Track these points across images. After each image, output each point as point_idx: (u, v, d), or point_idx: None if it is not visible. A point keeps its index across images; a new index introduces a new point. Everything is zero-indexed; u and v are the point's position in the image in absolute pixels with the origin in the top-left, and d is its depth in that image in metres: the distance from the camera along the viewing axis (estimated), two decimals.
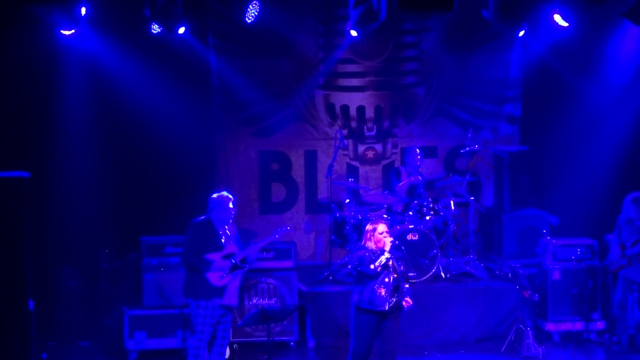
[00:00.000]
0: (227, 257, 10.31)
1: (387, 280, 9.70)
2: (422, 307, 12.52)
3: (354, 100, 14.80)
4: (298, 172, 14.85)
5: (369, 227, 9.92)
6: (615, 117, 14.24)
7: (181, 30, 12.58)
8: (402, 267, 9.79)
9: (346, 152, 14.83)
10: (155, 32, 12.88)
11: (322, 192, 14.62)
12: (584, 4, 12.43)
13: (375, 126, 14.85)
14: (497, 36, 14.32)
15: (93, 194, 13.60)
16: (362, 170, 14.93)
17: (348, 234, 13.05)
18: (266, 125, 14.69)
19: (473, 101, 14.91)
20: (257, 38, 14.31)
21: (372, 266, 9.64)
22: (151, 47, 13.41)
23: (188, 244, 10.38)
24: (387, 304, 9.67)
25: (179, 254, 11.35)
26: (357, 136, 14.87)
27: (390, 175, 14.03)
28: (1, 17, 12.46)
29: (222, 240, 10.33)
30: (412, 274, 12.65)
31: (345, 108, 14.80)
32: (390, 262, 9.71)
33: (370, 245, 9.81)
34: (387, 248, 9.73)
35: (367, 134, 14.88)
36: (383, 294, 9.67)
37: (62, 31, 12.43)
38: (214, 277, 10.22)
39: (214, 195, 10.52)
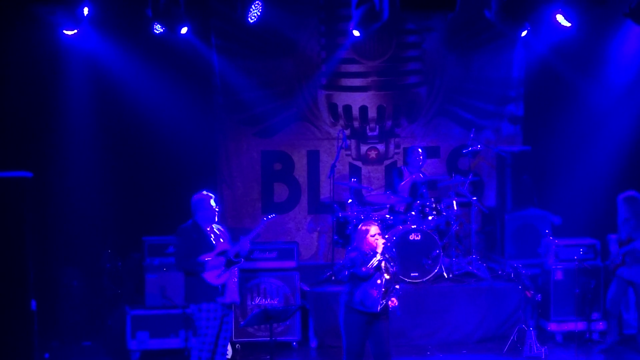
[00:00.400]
0: (220, 254, 10.28)
1: (379, 282, 9.70)
2: (424, 307, 12.57)
3: (356, 100, 14.80)
4: (300, 172, 14.85)
5: (361, 228, 9.93)
6: (618, 117, 14.24)
7: (184, 30, 12.57)
8: (394, 268, 9.79)
9: (349, 152, 14.82)
10: (157, 32, 12.87)
11: (325, 192, 14.62)
12: (587, 4, 12.42)
13: (377, 126, 14.85)
14: (500, 36, 14.33)
15: (95, 194, 13.60)
16: (365, 170, 14.92)
17: (350, 234, 13.03)
18: (268, 125, 14.69)
19: (475, 101, 14.91)
20: (259, 38, 14.31)
21: (364, 268, 9.65)
22: (153, 47, 13.41)
23: (179, 249, 10.30)
24: (379, 305, 9.68)
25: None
26: (359, 136, 14.87)
27: (392, 175, 14.03)
28: (4, 17, 12.48)
29: (212, 240, 10.28)
30: (414, 273, 12.77)
31: (347, 108, 14.79)
32: (383, 264, 9.70)
33: (363, 246, 9.81)
34: (379, 250, 9.73)
35: (369, 134, 14.88)
36: (375, 295, 9.67)
37: (64, 31, 12.42)
38: (212, 277, 10.19)
39: (194, 197, 10.39)
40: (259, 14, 12.88)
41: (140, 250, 12.56)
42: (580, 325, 12.34)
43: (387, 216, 13.26)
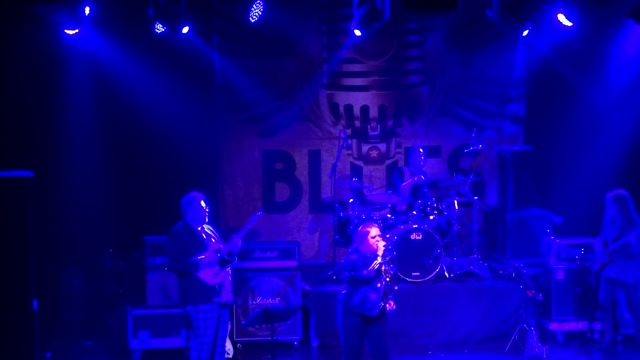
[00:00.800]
0: (214, 254, 10.26)
1: (378, 285, 9.69)
2: (425, 307, 12.57)
3: (357, 100, 14.80)
4: (302, 171, 14.85)
5: (361, 230, 9.90)
6: (619, 117, 14.24)
7: (185, 29, 12.57)
8: (393, 270, 9.78)
9: (350, 152, 14.82)
10: (159, 31, 12.87)
11: (326, 192, 14.62)
12: (588, 4, 12.43)
13: (379, 126, 14.85)
14: (501, 36, 14.33)
15: (97, 194, 13.61)
16: (366, 169, 14.92)
17: (352, 234, 13.02)
18: (270, 124, 14.69)
19: (477, 101, 14.90)
20: (261, 37, 14.31)
21: (365, 271, 9.63)
22: (155, 46, 13.41)
23: (172, 252, 10.22)
24: (378, 309, 9.68)
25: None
26: (360, 136, 14.87)
27: (394, 175, 14.03)
28: (5, 16, 12.49)
29: (204, 240, 10.26)
30: (415, 273, 12.77)
31: (349, 107, 14.79)
32: (383, 267, 9.68)
33: (362, 248, 9.78)
34: (380, 252, 9.70)
35: (370, 133, 14.88)
36: (374, 299, 9.67)
37: (66, 31, 12.43)
38: (208, 277, 10.16)
39: (184, 198, 10.35)
40: (260, 13, 12.89)
41: (141, 249, 12.56)
42: (582, 325, 12.33)
43: (389, 216, 13.26)
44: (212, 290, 10.17)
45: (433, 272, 12.89)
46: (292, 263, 12.64)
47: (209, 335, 10.19)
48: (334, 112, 14.81)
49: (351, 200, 13.34)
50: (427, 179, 13.72)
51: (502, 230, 14.24)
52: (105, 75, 13.56)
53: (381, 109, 14.79)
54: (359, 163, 14.92)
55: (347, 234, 13.15)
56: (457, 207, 13.42)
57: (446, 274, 13.01)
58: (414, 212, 13.18)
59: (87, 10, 12.05)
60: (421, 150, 13.84)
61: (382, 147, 14.93)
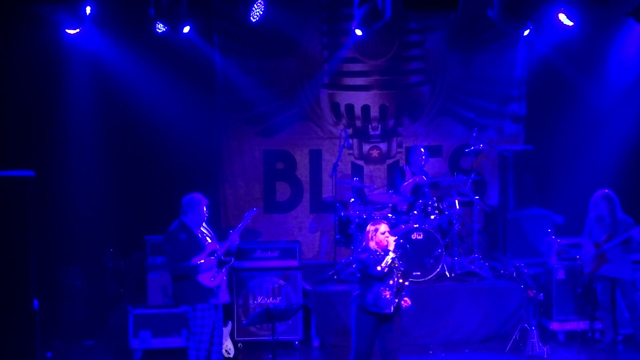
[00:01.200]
0: (211, 255, 10.26)
1: (391, 282, 9.68)
2: (426, 307, 12.55)
3: (358, 100, 14.80)
4: (303, 171, 14.85)
5: (370, 227, 9.89)
6: (620, 116, 14.23)
7: (186, 29, 12.58)
8: (404, 266, 9.78)
9: (351, 151, 14.82)
10: (160, 31, 12.87)
11: (327, 191, 14.62)
12: (589, 3, 12.42)
13: (380, 125, 14.85)
14: (502, 35, 14.32)
15: (98, 193, 13.61)
16: (367, 169, 14.92)
17: (353, 233, 13.04)
18: (271, 124, 14.69)
19: (478, 100, 14.90)
20: (261, 37, 14.31)
21: (378, 268, 9.62)
22: (156, 46, 13.41)
23: (170, 254, 10.23)
24: (392, 306, 9.67)
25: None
26: (361, 135, 14.87)
27: (395, 175, 14.03)
28: (6, 16, 12.49)
29: (201, 240, 10.25)
30: (417, 273, 12.76)
31: (350, 107, 14.79)
32: (395, 263, 9.69)
33: (372, 245, 9.78)
34: (392, 248, 9.70)
35: (371, 133, 14.88)
36: (388, 296, 9.66)
37: (67, 30, 12.44)
38: (206, 279, 10.17)
39: (188, 196, 10.35)
40: (261, 13, 12.89)
41: (142, 249, 12.57)
42: (583, 325, 12.32)
43: (390, 215, 13.25)
44: (210, 292, 10.19)
45: (434, 271, 12.89)
46: (293, 263, 12.64)
47: (206, 334, 10.21)
48: (335, 111, 14.81)
49: (352, 199, 13.32)
50: (428, 178, 13.71)
51: (503, 230, 14.23)
52: (106, 75, 13.56)
53: (382, 108, 14.79)
54: (360, 163, 14.92)
55: (348, 233, 13.15)
56: (458, 207, 13.42)
57: (447, 273, 13.01)
58: (415, 212, 13.18)
59: (88, 10, 12.07)
60: (422, 150, 13.83)
61: (383, 146, 14.92)
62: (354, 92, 14.80)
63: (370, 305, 9.66)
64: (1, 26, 12.62)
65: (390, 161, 14.93)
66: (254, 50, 14.46)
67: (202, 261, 10.12)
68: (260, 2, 12.82)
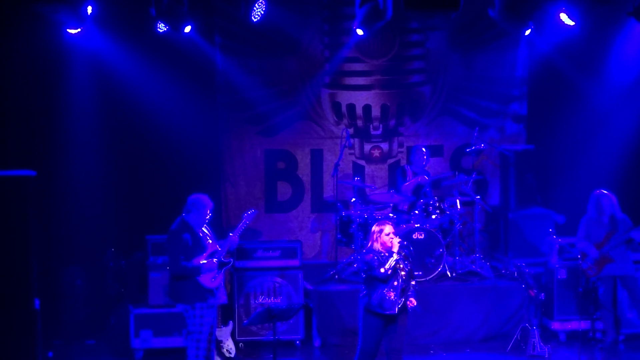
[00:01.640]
0: (211, 255, 10.26)
1: (395, 283, 9.68)
2: (427, 306, 12.54)
3: (360, 99, 14.79)
4: (304, 170, 14.85)
5: (375, 228, 9.88)
6: (622, 116, 14.23)
7: (187, 29, 12.57)
8: (409, 266, 9.78)
9: (352, 151, 14.82)
10: (161, 31, 12.87)
11: (328, 191, 14.62)
12: (590, 3, 12.43)
13: (381, 125, 14.85)
14: (503, 35, 14.33)
15: (99, 193, 13.61)
16: (368, 169, 14.92)
17: (354, 233, 13.05)
18: (272, 124, 14.69)
19: (479, 100, 14.90)
20: (263, 37, 14.31)
21: (382, 269, 9.61)
22: (157, 46, 13.41)
23: (172, 254, 10.23)
24: (397, 307, 9.67)
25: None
26: (363, 135, 14.87)
27: (396, 174, 14.03)
28: (7, 16, 12.48)
29: (202, 240, 10.25)
30: (418, 272, 12.76)
31: (351, 107, 14.79)
32: (399, 264, 9.68)
33: (377, 246, 9.78)
34: (396, 249, 9.69)
35: (373, 132, 14.87)
36: (392, 297, 9.65)
37: (68, 30, 12.44)
38: (207, 280, 10.18)
39: (195, 197, 10.34)
40: (262, 12, 12.88)
41: (143, 249, 12.57)
42: (584, 324, 12.32)
43: (391, 215, 13.25)
44: (209, 292, 10.20)
45: (435, 271, 12.89)
46: (294, 262, 12.64)
47: (205, 333, 10.22)
48: (336, 111, 14.81)
49: (353, 199, 13.33)
50: (429, 178, 13.72)
51: (504, 230, 14.24)
52: (108, 75, 13.56)
53: (383, 108, 14.79)
54: (361, 162, 14.91)
55: (349, 233, 13.15)
56: (459, 207, 13.41)
57: (448, 273, 13.01)
58: (416, 212, 13.18)
59: (89, 9, 12.07)
60: (424, 149, 13.83)
61: (385, 146, 14.92)
62: (355, 91, 14.80)
63: (375, 306, 9.66)
64: (2, 26, 12.61)
65: (391, 161, 14.92)
66: (255, 49, 14.46)
67: (205, 262, 10.13)
68: (261, 2, 12.80)
